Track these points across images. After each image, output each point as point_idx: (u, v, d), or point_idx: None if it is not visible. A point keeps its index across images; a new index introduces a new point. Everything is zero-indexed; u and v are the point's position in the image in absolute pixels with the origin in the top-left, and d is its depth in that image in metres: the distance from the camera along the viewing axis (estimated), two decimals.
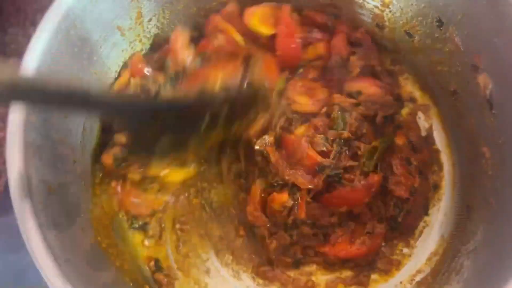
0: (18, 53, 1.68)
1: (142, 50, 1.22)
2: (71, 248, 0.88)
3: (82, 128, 1.06)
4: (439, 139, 1.22)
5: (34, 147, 0.87)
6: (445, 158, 1.20)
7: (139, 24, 1.16)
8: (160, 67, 1.19)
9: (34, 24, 1.70)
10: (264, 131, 1.10)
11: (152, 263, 1.14)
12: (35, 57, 0.90)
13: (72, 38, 0.97)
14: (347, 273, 1.16)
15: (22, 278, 1.26)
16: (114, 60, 1.14)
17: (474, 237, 1.01)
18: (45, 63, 0.91)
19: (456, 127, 1.18)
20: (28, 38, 1.62)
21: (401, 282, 1.14)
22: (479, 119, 1.07)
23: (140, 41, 1.20)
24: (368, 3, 1.18)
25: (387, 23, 1.20)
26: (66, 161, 0.99)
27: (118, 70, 1.17)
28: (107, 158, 1.11)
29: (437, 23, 1.10)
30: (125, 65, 1.18)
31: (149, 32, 1.21)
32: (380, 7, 1.17)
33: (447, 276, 1.04)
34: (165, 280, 1.13)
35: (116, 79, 1.16)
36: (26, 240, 0.77)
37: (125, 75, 1.17)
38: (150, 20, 1.18)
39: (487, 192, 1.03)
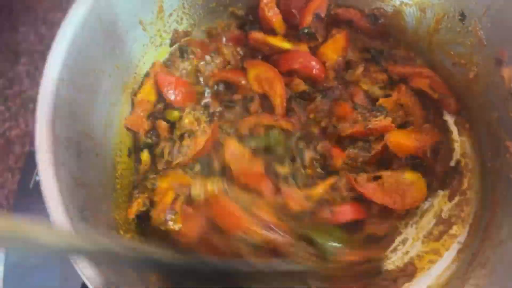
0: (30, 52, 1.68)
1: (161, 44, 1.22)
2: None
3: (104, 122, 1.06)
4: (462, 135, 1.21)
5: (62, 138, 0.87)
6: (468, 151, 1.19)
7: (160, 19, 1.16)
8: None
9: (46, 22, 1.70)
10: None
11: None
12: (62, 49, 0.90)
13: (97, 31, 0.97)
14: None
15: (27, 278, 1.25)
16: (136, 54, 1.14)
17: (500, 230, 1.01)
18: (71, 56, 0.91)
19: (478, 121, 1.17)
20: (39, 36, 1.67)
21: None
22: (502, 113, 1.07)
23: (160, 36, 1.20)
24: None
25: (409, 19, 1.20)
26: (90, 153, 0.99)
27: (139, 65, 1.17)
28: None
29: (460, 17, 1.10)
30: (147, 74, 1.19)
31: (169, 27, 1.21)
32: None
33: (471, 270, 1.03)
34: None
35: (139, 87, 1.17)
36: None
37: (148, 84, 1.18)
38: (170, 14, 1.18)
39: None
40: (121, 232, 1.03)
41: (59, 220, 0.78)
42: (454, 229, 1.12)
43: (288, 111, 1.18)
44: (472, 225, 1.11)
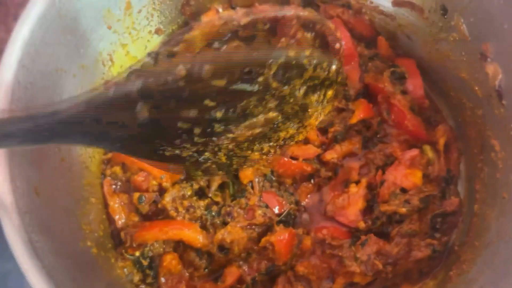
0: (0, 50, 1.61)
1: (131, 43, 1.16)
2: (59, 252, 0.82)
3: None
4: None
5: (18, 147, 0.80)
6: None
7: (128, 15, 1.10)
8: None
9: (17, 19, 1.62)
10: None
11: None
12: (16, 49, 0.83)
13: (57, 29, 0.91)
14: None
15: (3, 284, 1.18)
16: (103, 53, 1.08)
17: (487, 232, 0.97)
18: (28, 56, 0.85)
19: (462, 119, 1.14)
20: (10, 34, 1.59)
21: None
22: (487, 110, 1.03)
23: (130, 33, 1.14)
24: None
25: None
26: (52, 159, 0.92)
27: (107, 65, 1.10)
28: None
29: (441, 11, 1.05)
30: None
31: (139, 24, 1.14)
32: None
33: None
34: None
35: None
36: (11, 244, 0.70)
37: None
38: (140, 11, 1.12)
39: (498, 186, 0.99)
40: (89, 243, 0.97)
41: (11, 231, 0.72)
42: None
43: None
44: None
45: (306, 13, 0.80)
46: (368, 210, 1.14)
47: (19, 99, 0.82)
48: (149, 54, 1.21)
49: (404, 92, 1.20)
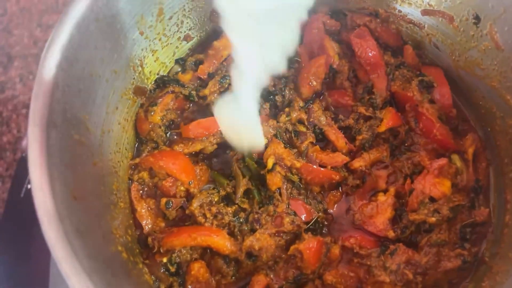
0: (23, 55, 1.62)
1: (160, 49, 1.16)
2: (95, 256, 0.81)
3: (101, 130, 1.00)
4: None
5: (56, 147, 0.80)
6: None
7: (159, 22, 1.10)
8: None
9: (41, 25, 1.64)
10: None
11: None
12: (56, 52, 0.84)
13: (94, 34, 0.91)
14: None
15: None
16: (134, 59, 1.08)
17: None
18: (66, 59, 0.85)
19: (492, 128, 1.13)
20: (34, 39, 1.61)
21: None
22: None
23: (160, 40, 1.14)
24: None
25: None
26: (86, 163, 0.92)
27: (138, 70, 1.11)
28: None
29: (474, 20, 1.05)
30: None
31: (169, 30, 1.15)
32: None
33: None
34: None
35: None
36: (52, 249, 0.70)
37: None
38: (171, 18, 1.13)
39: None
40: (119, 248, 0.97)
41: (53, 236, 0.72)
42: None
43: None
44: None
45: None
46: (396, 219, 1.13)
47: (58, 101, 0.82)
48: (176, 61, 1.23)
49: (432, 101, 1.20)
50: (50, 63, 0.82)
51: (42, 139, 0.77)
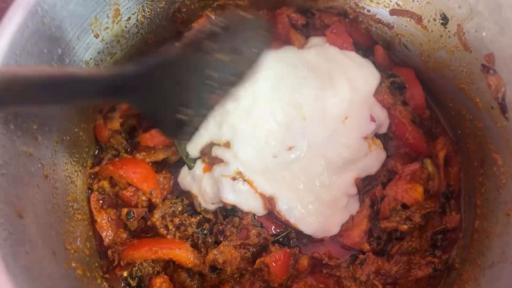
0: None
1: (119, 52, 1.11)
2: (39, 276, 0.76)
3: (54, 139, 0.94)
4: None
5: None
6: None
7: (116, 23, 1.05)
8: None
9: None
10: None
11: None
12: None
13: (40, 38, 0.85)
14: None
15: None
16: (90, 63, 1.02)
17: (490, 250, 0.93)
18: (7, 66, 0.79)
19: (462, 131, 1.10)
20: None
21: None
22: (488, 123, 0.99)
23: (118, 42, 1.09)
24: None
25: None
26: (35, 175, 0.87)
27: None
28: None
29: (442, 21, 1.02)
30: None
31: (128, 32, 1.10)
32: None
33: None
34: None
35: None
36: None
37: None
38: (129, 19, 1.07)
39: (501, 202, 0.95)
40: (73, 264, 0.91)
41: None
42: None
43: None
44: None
45: None
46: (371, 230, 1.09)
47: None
48: None
49: (405, 103, 1.17)
50: None
51: None
